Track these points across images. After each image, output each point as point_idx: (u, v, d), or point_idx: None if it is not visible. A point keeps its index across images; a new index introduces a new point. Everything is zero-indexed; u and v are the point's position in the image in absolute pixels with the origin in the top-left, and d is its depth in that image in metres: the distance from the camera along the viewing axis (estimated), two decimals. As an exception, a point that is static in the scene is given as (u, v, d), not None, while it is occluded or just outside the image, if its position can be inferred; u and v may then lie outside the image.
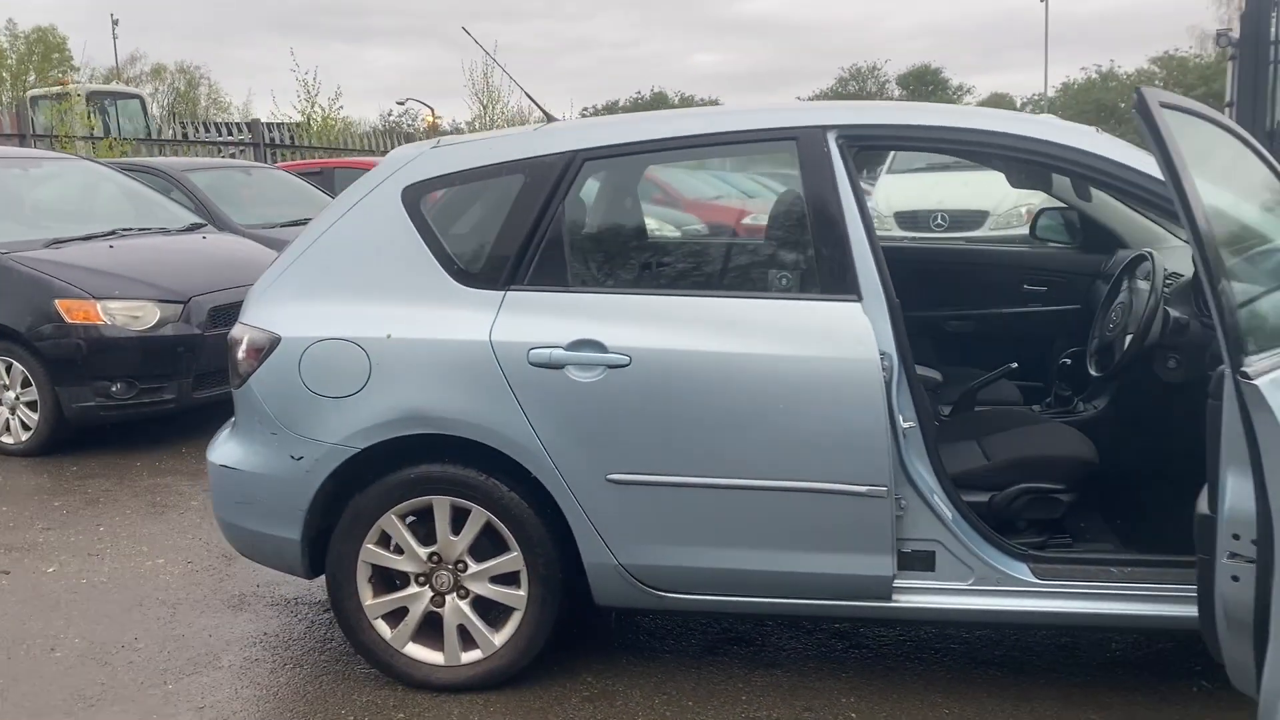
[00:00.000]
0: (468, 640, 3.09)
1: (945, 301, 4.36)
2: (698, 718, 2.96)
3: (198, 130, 16.26)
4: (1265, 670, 2.11)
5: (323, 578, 3.23)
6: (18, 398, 5.78)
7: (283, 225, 8.43)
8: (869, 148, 3.12)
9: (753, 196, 12.71)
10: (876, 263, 2.88)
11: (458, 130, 31.22)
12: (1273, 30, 8.93)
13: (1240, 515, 2.08)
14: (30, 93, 20.00)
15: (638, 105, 51.53)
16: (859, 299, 2.85)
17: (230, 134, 16.26)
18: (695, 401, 2.86)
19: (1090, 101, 40.02)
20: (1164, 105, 1.96)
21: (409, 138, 21.51)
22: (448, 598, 3.07)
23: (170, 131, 15.55)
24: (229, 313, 6.00)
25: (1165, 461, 3.28)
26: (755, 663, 3.27)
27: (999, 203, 11.52)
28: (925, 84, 49.87)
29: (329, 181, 11.00)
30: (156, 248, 6.54)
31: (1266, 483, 2.02)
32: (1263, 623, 2.10)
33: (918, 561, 2.90)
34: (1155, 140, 1.91)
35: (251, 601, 3.81)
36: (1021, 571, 2.88)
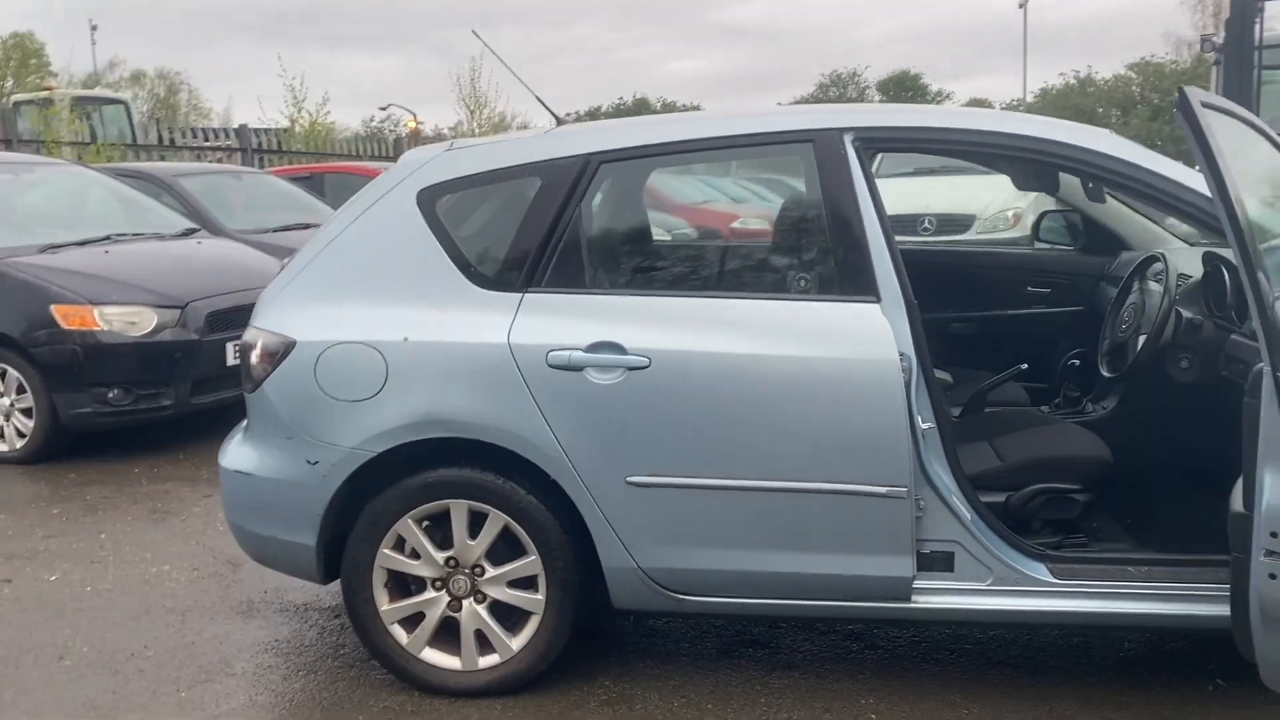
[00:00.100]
0: (485, 645, 3.07)
1: (949, 304, 4.38)
2: (718, 720, 2.96)
3: (185, 136, 16.16)
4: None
5: (332, 583, 3.22)
6: (13, 404, 5.73)
7: (275, 230, 8.37)
8: (885, 149, 3.14)
9: (740, 201, 12.75)
10: (894, 264, 2.89)
11: (440, 135, 31.19)
12: (1256, 35, 9.03)
13: (1278, 513, 2.09)
14: (13, 98, 19.84)
15: (620, 110, 51.59)
16: (878, 300, 2.86)
17: (218, 139, 16.17)
18: (715, 403, 2.86)
19: (1069, 106, 40.29)
20: (1204, 105, 1.98)
21: (399, 144, 21.46)
22: (464, 602, 3.06)
23: (155, 137, 15.42)
24: (226, 318, 6.00)
25: (1178, 461, 3.31)
26: (772, 665, 3.27)
27: (985, 206, 11.63)
28: (905, 89, 50.13)
29: (319, 187, 10.95)
30: (152, 253, 6.49)
31: None
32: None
33: (936, 562, 2.91)
34: (1197, 138, 1.92)
35: (260, 608, 3.78)
36: (1040, 572, 2.89)
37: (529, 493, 2.96)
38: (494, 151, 3.22)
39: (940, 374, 3.41)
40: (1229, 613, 2.74)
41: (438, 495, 3.00)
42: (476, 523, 3.01)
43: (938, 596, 2.92)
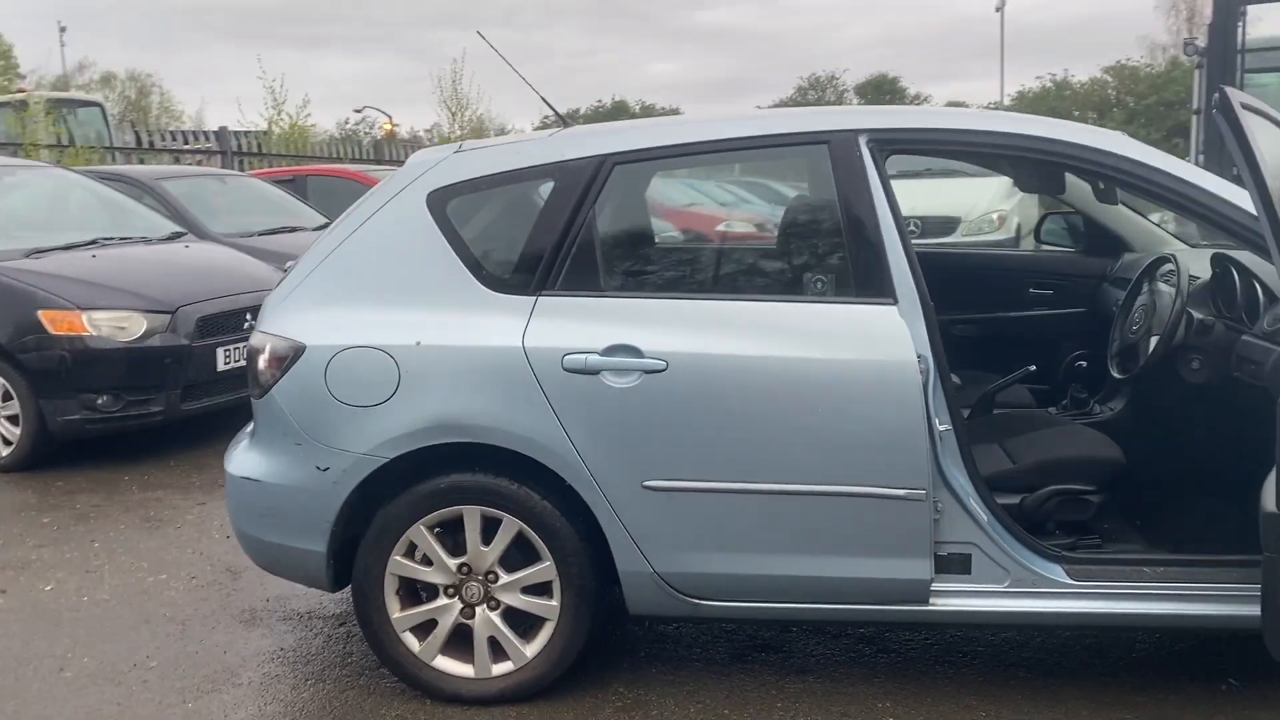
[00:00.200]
0: (498, 652, 3.03)
1: (951, 305, 4.36)
2: (735, 726, 2.94)
3: (164, 138, 15.98)
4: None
5: (334, 591, 3.18)
6: (-1, 412, 5.64)
7: (261, 234, 8.28)
8: (900, 151, 3.13)
9: (724, 204, 12.77)
10: (911, 266, 2.89)
11: (416, 137, 31.01)
12: (1239, 38, 9.12)
13: (1313, 512, 2.09)
14: (-14, 101, 19.54)
15: (599, 113, 51.50)
16: (895, 302, 2.85)
17: (198, 142, 16.01)
18: (733, 406, 2.84)
19: (1045, 109, 40.60)
20: (1243, 107, 1.97)
21: (378, 147, 21.32)
22: (478, 609, 3.02)
23: (133, 139, 15.24)
24: (217, 323, 5.94)
25: (1188, 461, 3.31)
26: (785, 669, 3.25)
27: (971, 209, 11.74)
28: (883, 93, 50.32)
29: (302, 190, 10.83)
30: (140, 257, 6.40)
31: None
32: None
33: (954, 564, 2.90)
34: (1237, 138, 1.92)
35: (263, 616, 3.73)
36: (1056, 573, 2.89)
37: (544, 498, 2.93)
38: (505, 153, 3.18)
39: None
40: (1244, 612, 2.77)
41: (451, 501, 2.97)
42: (490, 529, 2.98)
43: (955, 599, 2.91)
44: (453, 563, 3.00)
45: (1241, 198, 2.73)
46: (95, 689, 3.21)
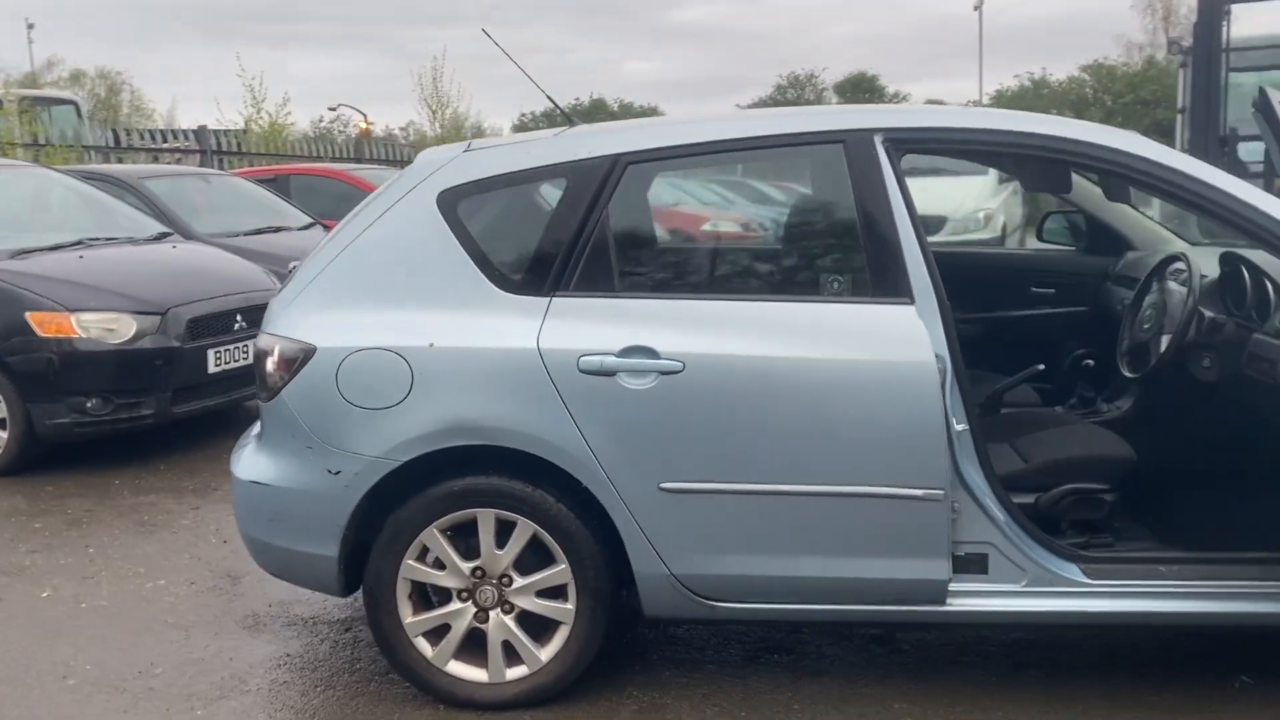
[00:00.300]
0: (513, 656, 3.00)
1: (954, 305, 4.37)
2: (753, 728, 2.92)
3: (142, 137, 15.80)
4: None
5: (339, 596, 3.14)
6: (-14, 415, 5.53)
7: (246, 234, 8.19)
8: (914, 150, 3.12)
9: (707, 204, 12.76)
10: (927, 265, 2.88)
11: (390, 135, 30.83)
12: (1224, 37, 9.18)
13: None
14: (-41, 100, 19.26)
15: (577, 111, 51.31)
16: (912, 302, 2.84)
17: (176, 140, 15.84)
18: (750, 407, 2.82)
19: (1023, 108, 40.86)
20: (1284, 105, 1.98)
21: (359, 144, 21.18)
22: (491, 613, 2.99)
23: (110, 138, 15.05)
24: (208, 324, 5.86)
25: (1199, 459, 3.32)
26: (799, 670, 3.24)
27: (957, 208, 11.78)
28: (862, 91, 50.45)
29: (284, 189, 10.73)
30: (128, 258, 6.30)
31: None
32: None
33: (971, 564, 2.90)
34: (1277, 137, 1.92)
35: (267, 622, 3.68)
36: (1073, 572, 2.89)
37: (559, 501, 2.90)
38: (515, 153, 3.15)
39: None
40: (1264, 609, 2.78)
41: (464, 504, 2.93)
42: (504, 532, 2.95)
43: (973, 599, 2.90)
44: (466, 566, 2.97)
45: (1260, 198, 2.74)
46: (101, 697, 3.16)
